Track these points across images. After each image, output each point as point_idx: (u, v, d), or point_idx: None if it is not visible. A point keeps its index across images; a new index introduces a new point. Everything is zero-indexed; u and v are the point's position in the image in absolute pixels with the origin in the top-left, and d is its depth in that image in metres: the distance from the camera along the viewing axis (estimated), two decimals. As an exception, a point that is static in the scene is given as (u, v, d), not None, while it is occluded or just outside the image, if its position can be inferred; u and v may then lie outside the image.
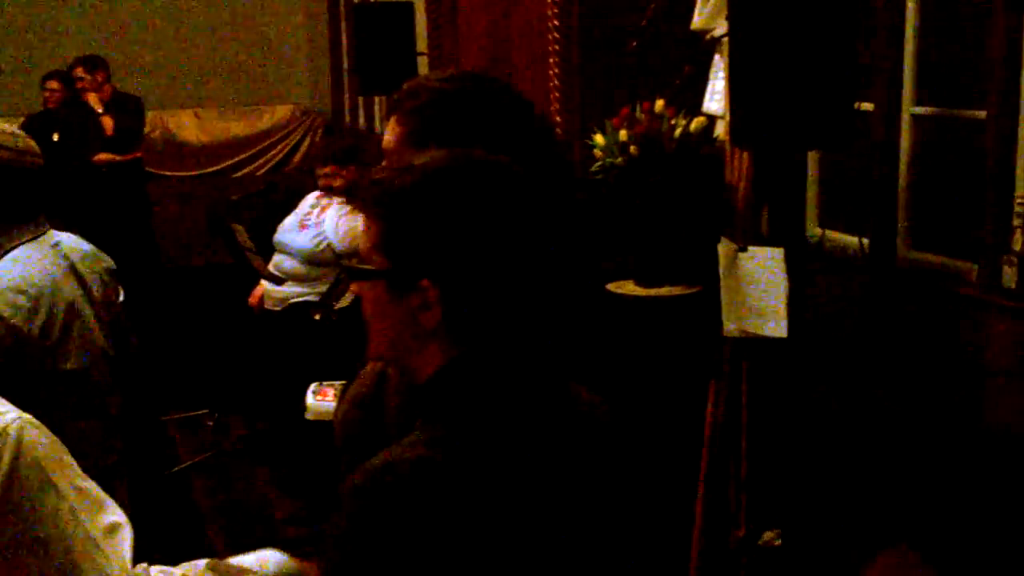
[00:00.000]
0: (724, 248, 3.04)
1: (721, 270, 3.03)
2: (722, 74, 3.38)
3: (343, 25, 8.83)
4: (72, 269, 2.65)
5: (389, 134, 1.76)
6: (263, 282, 5.11)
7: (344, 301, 4.73)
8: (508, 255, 1.35)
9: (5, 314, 2.44)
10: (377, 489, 1.27)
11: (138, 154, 7.67)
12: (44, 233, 2.63)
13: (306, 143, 9.45)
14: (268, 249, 5.22)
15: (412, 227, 1.34)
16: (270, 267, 5.12)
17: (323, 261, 4.95)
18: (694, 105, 3.64)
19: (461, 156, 1.40)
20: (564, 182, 1.84)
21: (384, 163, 1.75)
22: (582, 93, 4.28)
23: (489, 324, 1.35)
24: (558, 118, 4.46)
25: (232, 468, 3.31)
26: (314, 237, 5.01)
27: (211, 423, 3.53)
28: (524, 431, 1.35)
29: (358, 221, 4.46)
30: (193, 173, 9.29)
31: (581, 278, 1.81)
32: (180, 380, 5.59)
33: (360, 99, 8.50)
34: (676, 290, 3.63)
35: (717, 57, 3.52)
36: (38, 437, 1.41)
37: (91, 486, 1.47)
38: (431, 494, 1.26)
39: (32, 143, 2.62)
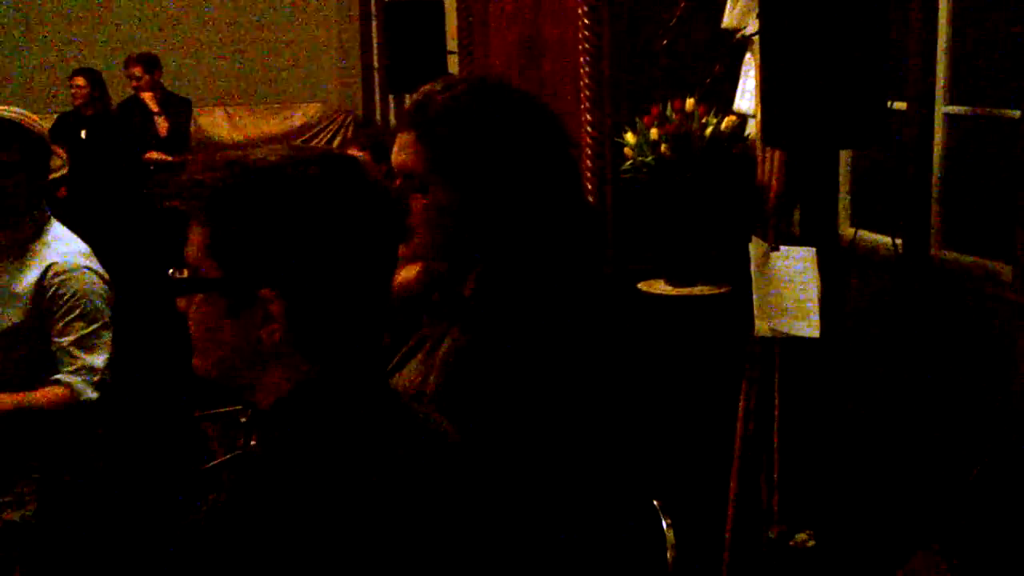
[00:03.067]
0: (756, 247, 3.03)
1: (753, 270, 3.02)
2: (753, 72, 3.37)
3: (374, 23, 8.85)
4: None
5: (401, 153, 1.70)
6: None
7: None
8: (357, 263, 1.22)
9: (101, 271, 2.83)
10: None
11: (188, 156, 7.71)
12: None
13: (336, 141, 9.48)
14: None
15: (245, 229, 1.19)
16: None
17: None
18: (725, 104, 3.63)
19: (298, 151, 1.26)
20: (577, 187, 1.82)
21: (397, 182, 1.73)
22: (613, 91, 4.27)
23: (341, 338, 1.22)
24: (588, 116, 4.45)
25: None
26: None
27: (244, 419, 3.55)
28: (373, 461, 1.19)
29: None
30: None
31: (609, 278, 1.80)
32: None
33: (390, 97, 8.52)
34: (707, 289, 3.63)
35: (748, 55, 3.50)
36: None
37: None
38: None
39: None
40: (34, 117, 2.82)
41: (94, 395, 2.76)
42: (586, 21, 4.40)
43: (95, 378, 2.78)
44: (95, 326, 2.79)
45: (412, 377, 1.74)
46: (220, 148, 9.21)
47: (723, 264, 3.56)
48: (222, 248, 1.20)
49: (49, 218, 2.86)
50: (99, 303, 2.81)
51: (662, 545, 1.91)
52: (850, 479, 3.14)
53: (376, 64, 8.85)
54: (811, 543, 2.97)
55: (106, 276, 2.86)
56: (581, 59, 4.42)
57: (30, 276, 2.75)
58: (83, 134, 7.37)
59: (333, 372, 1.22)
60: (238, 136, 9.38)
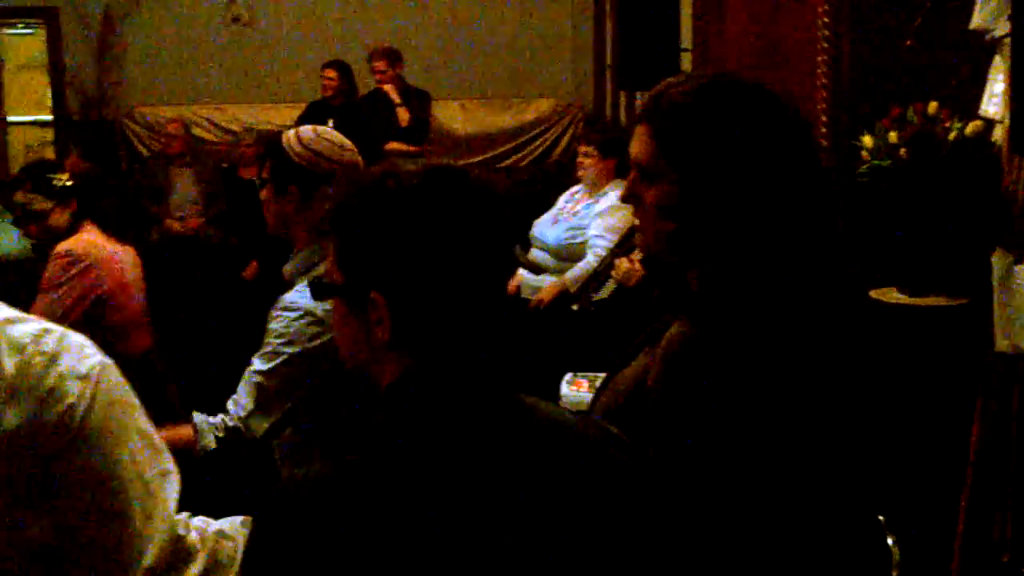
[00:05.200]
0: (999, 260, 2.91)
1: (995, 282, 2.90)
2: (1002, 76, 3.23)
3: (608, 19, 8.89)
4: None
5: (636, 145, 1.74)
6: (521, 271, 5.23)
7: (603, 293, 4.78)
8: (455, 270, 1.35)
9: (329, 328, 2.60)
10: (278, 508, 1.31)
11: (426, 147, 7.99)
12: None
13: (567, 137, 9.56)
14: (526, 240, 5.34)
15: (360, 243, 1.37)
16: (528, 258, 5.24)
17: (573, 255, 5.01)
18: (970, 108, 3.49)
19: (417, 171, 1.39)
20: (821, 184, 1.77)
21: (632, 172, 1.75)
22: (851, 92, 4.17)
23: (437, 337, 1.36)
24: (824, 117, 4.36)
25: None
26: (565, 231, 5.08)
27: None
28: (468, 446, 1.33)
29: (616, 218, 4.49)
30: (458, 163, 9.54)
31: (840, 284, 1.76)
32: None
33: (621, 94, 8.53)
34: (943, 300, 3.50)
35: (997, 58, 3.36)
36: (115, 381, 1.49)
37: (153, 433, 1.54)
38: (335, 513, 1.27)
39: (352, 156, 2.71)
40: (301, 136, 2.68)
41: (212, 443, 2.47)
42: (826, 20, 4.31)
43: (231, 423, 2.49)
44: (274, 371, 2.49)
45: (636, 370, 1.76)
46: (455, 140, 9.49)
47: (961, 275, 3.43)
48: (346, 260, 1.40)
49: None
50: (290, 350, 2.48)
51: (887, 562, 1.87)
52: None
53: (609, 61, 8.88)
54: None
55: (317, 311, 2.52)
56: (819, 58, 4.33)
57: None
58: (330, 123, 7.72)
59: (430, 367, 1.36)
60: (472, 129, 9.57)
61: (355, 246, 1.37)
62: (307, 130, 2.69)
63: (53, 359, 1.45)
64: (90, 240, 3.74)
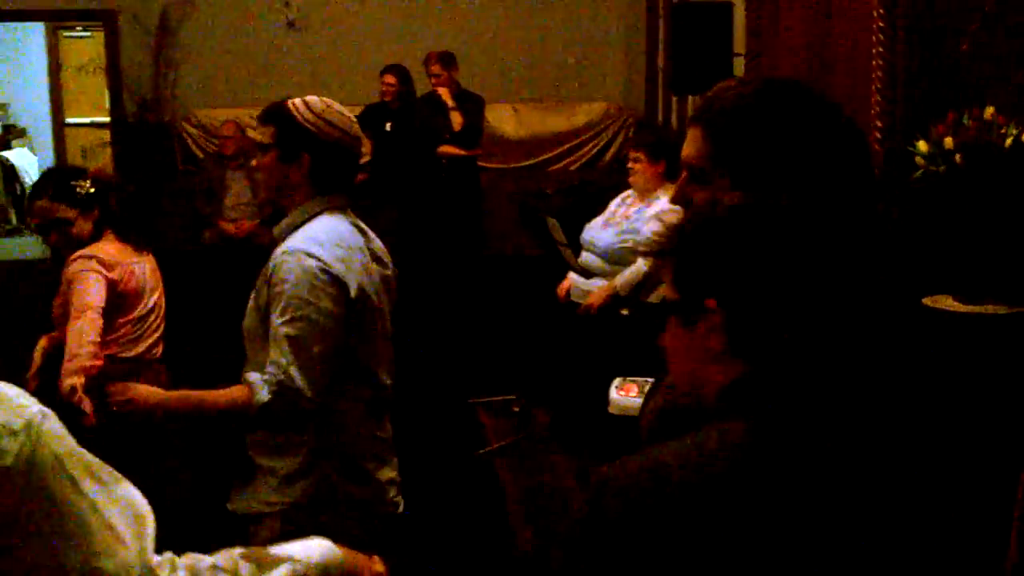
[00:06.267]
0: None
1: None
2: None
3: (661, 24, 8.88)
4: (368, 246, 2.75)
5: (688, 146, 1.74)
6: (571, 275, 5.24)
7: (652, 297, 4.77)
8: (794, 284, 1.39)
9: (327, 259, 2.53)
10: (638, 489, 1.32)
11: (479, 151, 8.03)
12: (347, 207, 2.74)
13: (618, 141, 9.54)
14: (577, 243, 5.35)
15: (700, 258, 1.41)
16: (579, 262, 5.25)
17: (624, 260, 5.01)
18: (1028, 114, 3.46)
19: (746, 200, 1.46)
20: (872, 192, 1.76)
21: (683, 174, 1.76)
22: (906, 97, 4.14)
23: (770, 345, 1.39)
24: (878, 123, 4.33)
25: (535, 455, 3.41)
26: (617, 235, 5.07)
27: (518, 409, 3.65)
28: (808, 451, 1.35)
29: (663, 222, 4.47)
30: (510, 166, 9.58)
31: (892, 290, 1.75)
32: (492, 364, 5.81)
33: (673, 99, 8.52)
34: (999, 308, 3.46)
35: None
36: (57, 431, 1.38)
37: (111, 477, 1.43)
38: (702, 505, 1.29)
39: (357, 129, 2.74)
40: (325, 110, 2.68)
41: (266, 396, 2.46)
42: (881, 24, 4.28)
43: (277, 377, 2.47)
44: (297, 318, 2.49)
45: None
46: (506, 143, 9.51)
47: (1017, 282, 3.39)
48: (681, 277, 1.44)
49: (320, 212, 2.67)
50: (305, 294, 2.50)
51: None
52: None
53: (661, 65, 8.87)
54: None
55: (331, 268, 2.54)
56: (874, 63, 4.31)
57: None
58: (388, 126, 7.81)
59: (761, 374, 1.39)
60: (524, 132, 9.59)
61: (693, 263, 1.43)
62: (315, 99, 2.68)
63: None
64: (105, 248, 3.59)
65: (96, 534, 1.36)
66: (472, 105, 7.83)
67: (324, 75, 9.43)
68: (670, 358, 1.49)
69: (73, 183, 3.60)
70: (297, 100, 2.67)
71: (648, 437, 1.77)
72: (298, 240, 2.58)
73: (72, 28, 12.38)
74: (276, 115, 2.67)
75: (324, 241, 2.57)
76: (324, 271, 2.51)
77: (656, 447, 1.38)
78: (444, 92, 7.71)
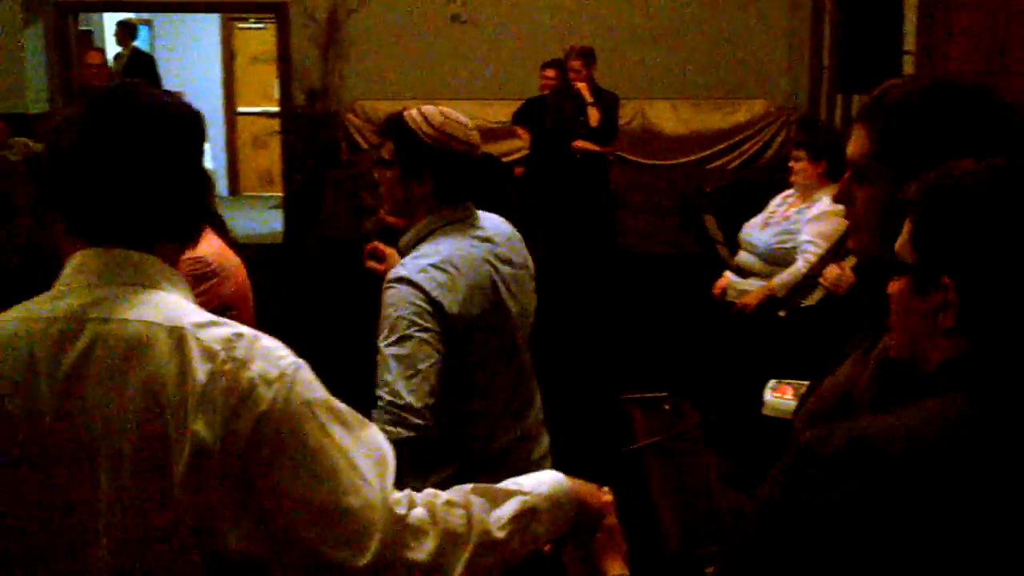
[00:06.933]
0: None
1: None
2: None
3: (826, 19, 8.70)
4: (493, 256, 2.72)
5: (853, 144, 1.72)
6: (727, 274, 5.20)
7: (809, 300, 4.70)
8: None
9: (426, 287, 2.52)
10: (852, 455, 1.30)
11: (613, 148, 8.04)
12: (468, 218, 2.72)
13: (779, 139, 9.39)
14: (735, 242, 5.30)
15: (944, 227, 1.38)
16: (736, 261, 5.20)
17: (782, 260, 4.94)
18: None
19: (1008, 166, 1.41)
20: None
21: (848, 173, 1.74)
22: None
23: (1002, 325, 1.36)
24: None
25: (684, 453, 3.40)
26: (776, 235, 5.00)
27: (668, 407, 3.64)
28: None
29: (828, 225, 4.36)
30: (667, 163, 9.53)
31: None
32: (643, 361, 5.81)
33: (838, 97, 8.34)
34: None
35: None
36: (309, 380, 1.47)
37: (354, 420, 1.51)
38: (912, 480, 1.27)
39: (475, 136, 2.70)
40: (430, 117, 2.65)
41: (407, 433, 2.42)
42: (1061, 24, 4.12)
43: (385, 398, 2.45)
44: (401, 338, 2.49)
45: (844, 379, 1.74)
46: (663, 140, 9.47)
47: None
48: (923, 241, 1.40)
49: (440, 227, 2.67)
50: (408, 315, 2.50)
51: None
52: None
53: (826, 62, 8.69)
54: None
55: (431, 293, 2.53)
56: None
57: None
58: (548, 121, 7.88)
59: (982, 354, 1.37)
60: (682, 130, 9.53)
61: (941, 231, 1.39)
62: (432, 111, 2.66)
63: (244, 365, 1.43)
64: (214, 247, 3.46)
65: (342, 474, 1.45)
66: (609, 101, 7.83)
67: (484, 69, 9.55)
68: (894, 315, 1.47)
69: None
70: (415, 113, 2.65)
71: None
72: (407, 264, 2.59)
73: (245, 20, 12.81)
74: (395, 130, 2.66)
75: (430, 265, 2.57)
76: (425, 295, 2.52)
77: (865, 418, 1.37)
78: (583, 87, 7.72)
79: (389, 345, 2.49)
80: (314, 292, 7.26)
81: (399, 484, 1.53)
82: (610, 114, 7.82)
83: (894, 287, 1.46)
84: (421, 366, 2.48)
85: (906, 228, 1.43)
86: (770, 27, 9.58)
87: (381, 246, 2.91)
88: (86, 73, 8.85)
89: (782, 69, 9.62)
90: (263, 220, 10.98)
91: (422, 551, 1.48)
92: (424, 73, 9.60)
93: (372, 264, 2.90)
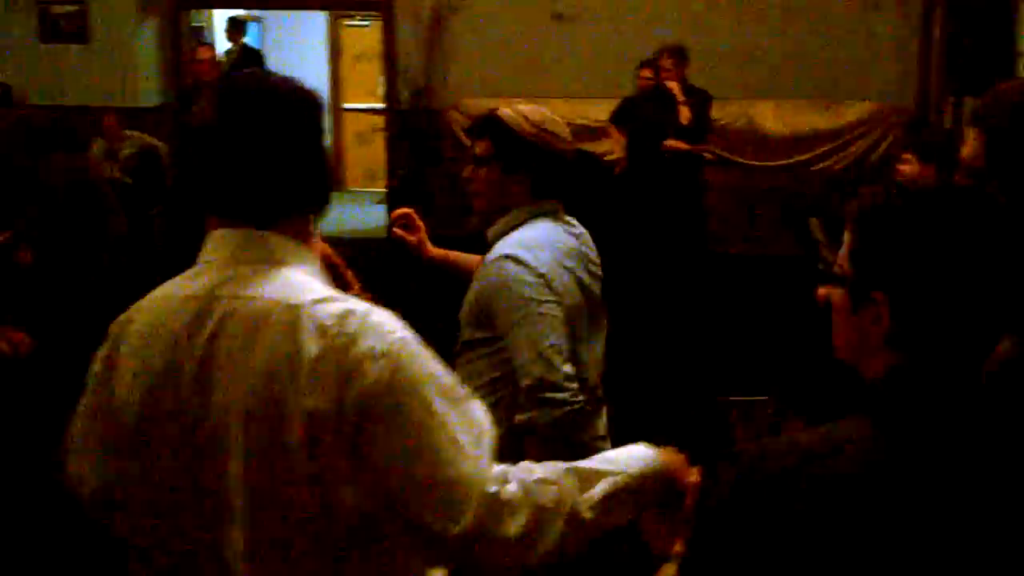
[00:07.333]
0: None
1: None
2: None
3: (936, 21, 8.53)
4: (580, 248, 2.73)
5: (966, 147, 1.73)
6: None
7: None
8: (963, 280, 1.36)
9: (533, 264, 2.53)
10: (745, 473, 1.36)
11: (705, 146, 7.97)
12: (558, 212, 2.73)
13: (886, 142, 9.21)
14: (840, 245, 5.24)
15: (878, 244, 1.40)
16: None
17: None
18: None
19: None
20: None
21: (958, 176, 1.73)
22: None
23: (931, 343, 1.37)
24: None
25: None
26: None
27: (770, 411, 3.64)
28: (956, 452, 1.33)
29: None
30: (770, 163, 9.41)
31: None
32: (745, 364, 5.77)
33: (949, 99, 8.17)
34: None
35: None
36: (415, 354, 1.53)
37: (457, 395, 1.55)
38: (827, 493, 1.31)
39: (569, 133, 2.71)
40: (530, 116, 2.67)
41: (536, 412, 2.46)
42: None
43: (530, 384, 2.46)
44: (525, 318, 2.49)
45: None
46: (766, 140, 9.36)
47: None
48: (858, 255, 1.43)
49: (532, 217, 2.68)
50: (526, 293, 2.51)
51: None
52: None
53: (935, 63, 8.52)
54: None
55: (539, 269, 2.55)
56: None
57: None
58: (639, 121, 7.84)
59: (918, 366, 1.38)
60: (785, 130, 9.40)
61: (872, 246, 1.42)
62: (530, 109, 2.66)
63: (354, 340, 1.49)
64: None
65: (443, 447, 1.51)
66: (700, 100, 7.76)
67: (585, 68, 9.54)
68: (834, 329, 1.49)
69: None
70: (512, 111, 2.65)
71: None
72: (510, 245, 2.59)
73: (352, 17, 13.00)
74: (493, 128, 2.66)
75: (533, 246, 2.57)
76: (534, 272, 2.52)
77: (803, 432, 1.42)
78: (674, 86, 7.66)
79: (515, 327, 2.49)
80: (411, 289, 7.34)
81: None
82: (702, 113, 7.76)
83: (835, 296, 1.47)
84: (548, 341, 2.48)
85: (846, 241, 1.45)
86: (878, 27, 9.41)
87: (414, 215, 2.93)
88: (197, 68, 9.05)
89: (890, 70, 9.44)
90: (367, 215, 11.18)
91: (512, 526, 1.53)
92: (525, 71, 9.62)
93: (400, 232, 2.91)
